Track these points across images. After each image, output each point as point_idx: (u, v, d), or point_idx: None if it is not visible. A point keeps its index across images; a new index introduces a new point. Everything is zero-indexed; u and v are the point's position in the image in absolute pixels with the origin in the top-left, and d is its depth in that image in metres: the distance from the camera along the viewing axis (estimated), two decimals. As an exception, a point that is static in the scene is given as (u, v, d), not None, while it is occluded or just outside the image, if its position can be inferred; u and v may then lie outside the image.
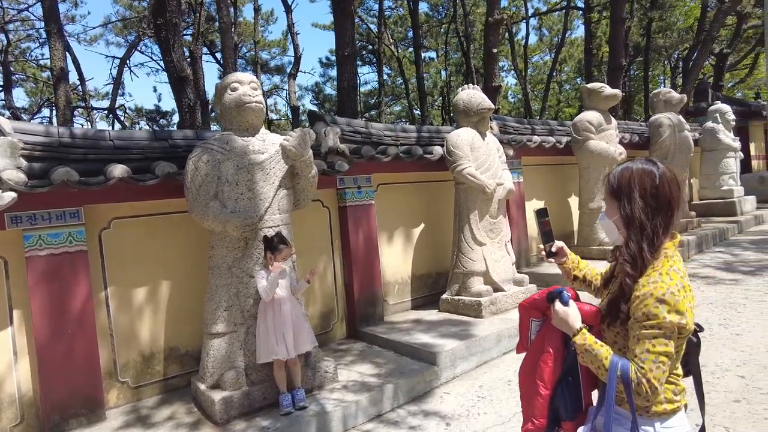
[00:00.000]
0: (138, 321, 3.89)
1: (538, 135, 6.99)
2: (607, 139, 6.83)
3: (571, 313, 1.47)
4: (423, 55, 22.63)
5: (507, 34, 18.51)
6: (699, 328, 1.64)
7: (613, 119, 7.07)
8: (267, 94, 19.18)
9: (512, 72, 30.68)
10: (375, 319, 5.11)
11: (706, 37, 12.15)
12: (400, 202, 5.65)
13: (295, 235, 4.67)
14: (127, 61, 13.16)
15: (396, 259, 5.60)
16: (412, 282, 5.74)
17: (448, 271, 5.48)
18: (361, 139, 5.17)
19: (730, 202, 10.02)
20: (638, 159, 1.49)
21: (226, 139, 3.68)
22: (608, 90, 6.83)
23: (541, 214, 1.81)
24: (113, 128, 13.43)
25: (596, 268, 1.82)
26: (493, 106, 5.31)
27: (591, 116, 6.84)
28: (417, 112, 21.07)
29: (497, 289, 5.21)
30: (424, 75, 24.87)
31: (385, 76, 22.82)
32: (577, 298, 1.56)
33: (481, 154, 5.27)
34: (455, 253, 5.31)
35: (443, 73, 23.94)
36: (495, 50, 8.25)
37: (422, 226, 5.86)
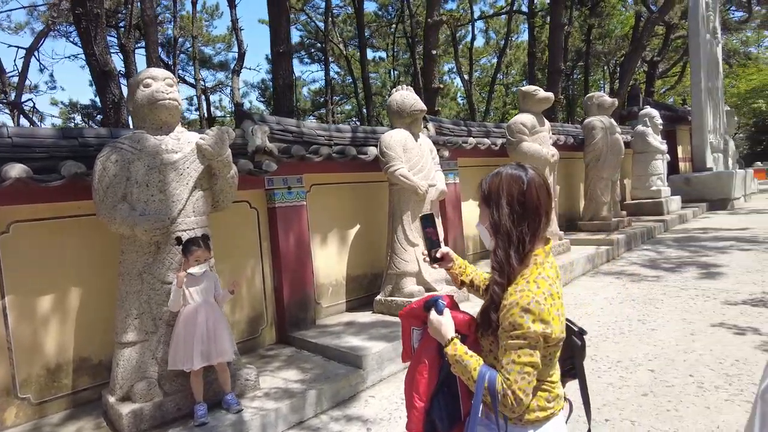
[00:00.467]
0: (42, 331, 3.62)
1: (474, 137, 7.09)
2: (540, 141, 7.00)
3: (444, 323, 1.44)
4: (373, 54, 22.64)
5: (452, 37, 18.78)
6: (581, 331, 1.66)
7: (546, 122, 7.26)
8: (210, 91, 18.64)
9: (461, 74, 31.33)
10: (306, 323, 5.01)
11: (636, 45, 12.77)
12: (334, 203, 5.57)
13: (221, 237, 4.53)
14: (36, 52, 12.24)
15: (330, 261, 5.52)
16: (347, 284, 5.68)
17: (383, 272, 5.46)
18: (292, 139, 5.06)
19: (658, 201, 10.56)
20: (509, 164, 1.48)
21: (137, 137, 3.49)
22: (542, 93, 7.01)
23: (425, 220, 1.78)
24: (19, 124, 12.48)
25: (484, 273, 1.81)
26: (425, 108, 5.32)
27: (525, 118, 7.00)
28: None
29: (429, 289, 5.23)
30: (374, 75, 24.90)
31: (335, 75, 22.67)
32: (454, 307, 1.53)
33: (413, 155, 5.27)
34: (389, 254, 5.29)
35: (393, 72, 24.07)
36: (435, 51, 8.31)
37: (358, 227, 5.81)
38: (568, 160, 9.47)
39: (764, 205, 13.07)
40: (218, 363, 3.36)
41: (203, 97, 17.18)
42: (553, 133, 8.81)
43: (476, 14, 20.42)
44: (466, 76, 21.74)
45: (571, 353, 1.71)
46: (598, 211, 8.79)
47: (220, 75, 19.96)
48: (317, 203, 5.35)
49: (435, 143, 6.37)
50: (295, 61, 22.13)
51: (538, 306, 1.28)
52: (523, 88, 7.17)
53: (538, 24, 18.15)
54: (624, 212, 9.37)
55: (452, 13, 18.19)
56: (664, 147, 10.87)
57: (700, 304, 5.16)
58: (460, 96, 32.10)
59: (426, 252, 1.74)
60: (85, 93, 45.24)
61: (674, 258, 7.27)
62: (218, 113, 19.66)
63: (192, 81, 17.82)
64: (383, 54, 24.98)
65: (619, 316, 5.02)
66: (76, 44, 15.75)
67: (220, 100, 20.67)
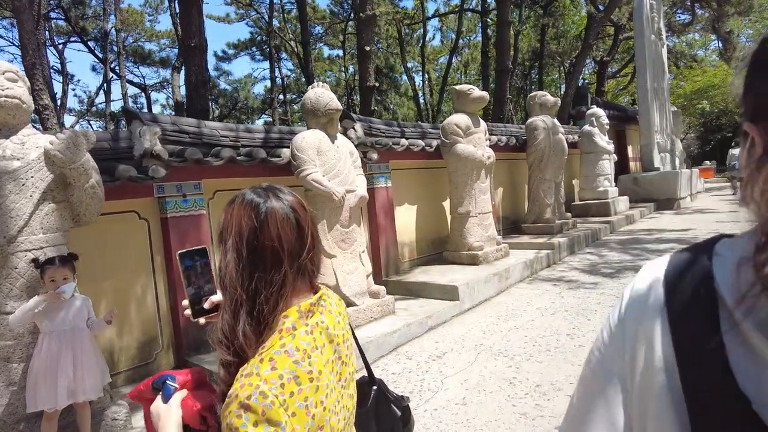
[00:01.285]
0: None
1: (407, 138, 6.71)
2: (475, 143, 6.69)
3: (163, 416, 1.00)
4: (329, 52, 22.11)
5: (398, 34, 18.42)
6: (401, 399, 1.26)
7: (482, 122, 6.95)
8: (151, 88, 17.73)
9: (420, 73, 31.10)
10: (208, 346, 4.51)
11: (584, 45, 12.72)
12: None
13: (103, 251, 4.00)
14: None
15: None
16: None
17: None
18: (189, 141, 4.55)
19: (605, 202, 10.46)
20: (254, 187, 1.05)
21: (-34, 141, 2.93)
22: (476, 92, 6.70)
23: (185, 258, 1.25)
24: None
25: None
26: (340, 107, 4.90)
27: (459, 119, 6.67)
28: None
29: (349, 303, 4.81)
30: (330, 72, 24.40)
31: (289, 72, 22.04)
32: (199, 385, 1.10)
33: (329, 159, 4.84)
34: (304, 267, 4.85)
35: (351, 69, 23.55)
36: (368, 48, 7.90)
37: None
38: (511, 161, 9.23)
39: (708, 204, 13.22)
40: (82, 401, 2.87)
41: (143, 94, 16.33)
42: (494, 134, 8.55)
43: (430, 12, 20.17)
44: (418, 75, 21.54)
45: (391, 428, 1.31)
46: (541, 213, 8.57)
47: (166, 72, 19.06)
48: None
49: (362, 144, 5.96)
50: (246, 58, 21.44)
51: (262, 400, 0.84)
52: (456, 87, 6.84)
53: (491, 24, 18.02)
54: (569, 214, 9.20)
55: (404, 10, 17.90)
56: (611, 147, 10.79)
57: (632, 314, 4.91)
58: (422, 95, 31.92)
59: (187, 302, 1.24)
60: None
61: (615, 262, 7.08)
62: (166, 112, 18.65)
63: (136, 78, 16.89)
64: (340, 52, 24.49)
65: (548, 330, 4.71)
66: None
67: (168, 99, 19.74)
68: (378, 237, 6.25)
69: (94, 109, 18.12)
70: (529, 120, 8.74)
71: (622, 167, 13.60)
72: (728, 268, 0.54)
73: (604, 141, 10.75)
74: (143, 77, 17.48)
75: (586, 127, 10.76)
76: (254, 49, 20.56)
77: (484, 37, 16.49)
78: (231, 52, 20.30)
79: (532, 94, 8.97)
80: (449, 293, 5.54)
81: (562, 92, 13.72)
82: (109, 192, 3.52)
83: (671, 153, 14.26)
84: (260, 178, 5.11)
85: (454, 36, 27.36)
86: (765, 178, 0.51)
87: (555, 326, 4.79)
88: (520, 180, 9.40)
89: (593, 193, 10.72)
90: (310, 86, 5.13)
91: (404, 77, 22.70)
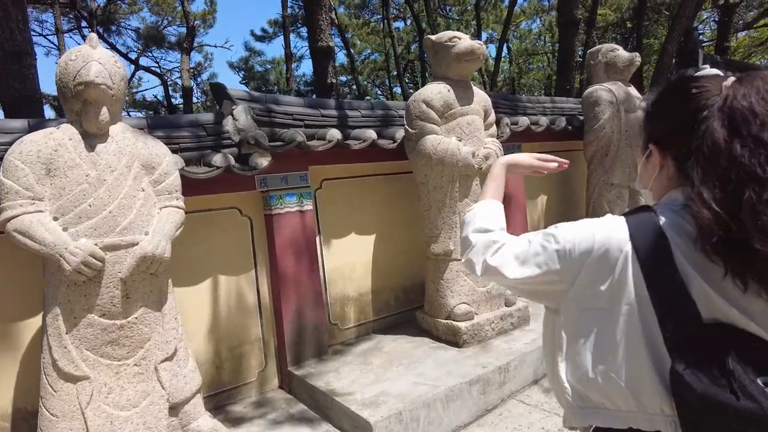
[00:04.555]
0: None
1: (349, 128, 4.06)
2: (462, 132, 3.84)
3: None
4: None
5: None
6: None
7: (479, 94, 4.06)
8: (169, 74, 16.29)
9: (497, 43, 27.24)
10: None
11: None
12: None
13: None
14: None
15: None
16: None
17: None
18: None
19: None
20: None
21: None
22: (464, 43, 3.81)
23: None
24: None
25: None
26: (97, 81, 2.38)
27: (431, 92, 3.85)
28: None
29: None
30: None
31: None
32: None
33: (73, 181, 2.39)
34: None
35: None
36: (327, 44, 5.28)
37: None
38: (561, 155, 6.11)
39: None
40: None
41: (160, 82, 14.94)
42: (528, 113, 5.52)
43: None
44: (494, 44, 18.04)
45: None
46: (604, 238, 5.45)
47: (198, 56, 17.64)
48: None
49: (245, 142, 3.51)
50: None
51: None
52: (432, 37, 3.99)
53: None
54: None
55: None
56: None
57: None
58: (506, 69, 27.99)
59: None
60: None
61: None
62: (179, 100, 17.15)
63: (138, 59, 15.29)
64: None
65: None
66: None
67: (200, 84, 18.33)
68: (281, 294, 3.74)
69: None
70: (589, 90, 5.57)
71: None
72: (667, 221, 0.90)
73: (721, 118, 7.10)
74: (158, 62, 16.22)
75: (693, 98, 7.17)
76: (299, 23, 18.47)
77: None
78: (271, 30, 18.46)
79: (593, 49, 5.74)
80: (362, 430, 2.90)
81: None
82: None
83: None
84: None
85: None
86: (657, 178, 1.00)
87: None
88: (576, 184, 6.23)
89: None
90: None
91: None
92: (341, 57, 20.52)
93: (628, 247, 0.91)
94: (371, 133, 4.02)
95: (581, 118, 5.78)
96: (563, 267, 0.98)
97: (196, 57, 17.26)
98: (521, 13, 23.79)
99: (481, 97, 4.05)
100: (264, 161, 3.52)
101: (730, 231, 0.78)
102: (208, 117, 3.67)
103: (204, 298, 3.56)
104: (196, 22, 17.10)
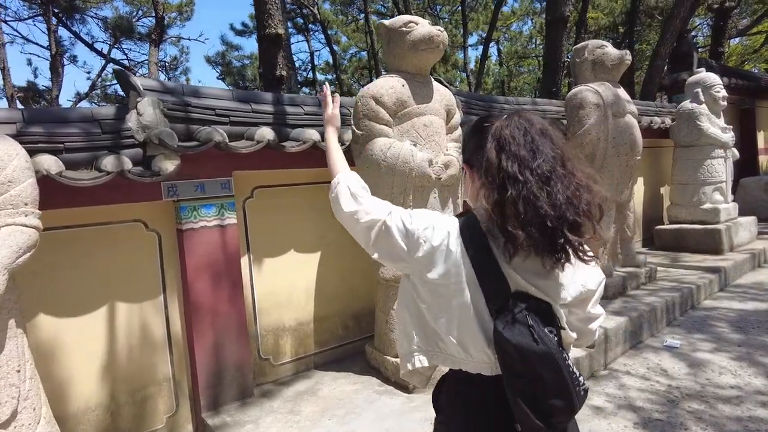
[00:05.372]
0: None
1: (292, 126, 3.42)
2: (418, 134, 3.22)
3: None
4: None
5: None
6: None
7: (442, 90, 3.44)
8: (137, 66, 15.48)
9: (493, 44, 26.69)
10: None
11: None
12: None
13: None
14: None
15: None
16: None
17: None
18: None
19: (713, 229, 6.30)
20: None
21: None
22: (422, 29, 3.18)
23: None
24: None
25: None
26: None
27: (381, 87, 3.22)
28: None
29: None
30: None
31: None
32: None
33: None
34: None
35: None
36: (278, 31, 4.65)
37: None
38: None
39: None
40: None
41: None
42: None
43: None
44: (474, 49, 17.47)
45: None
46: (587, 257, 4.86)
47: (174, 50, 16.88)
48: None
49: (149, 143, 2.85)
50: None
51: None
52: (386, 22, 3.36)
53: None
54: (642, 254, 5.31)
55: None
56: (729, 137, 6.56)
57: None
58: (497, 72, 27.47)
59: None
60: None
61: (729, 386, 3.30)
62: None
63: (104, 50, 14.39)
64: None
65: None
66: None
67: (171, 79, 17.40)
68: (193, 327, 3.08)
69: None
70: (573, 91, 4.98)
71: (745, 167, 9.07)
72: (481, 219, 1.20)
73: (716, 126, 6.55)
74: (126, 54, 15.35)
75: (686, 104, 6.61)
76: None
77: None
78: (252, 24, 17.72)
79: (578, 46, 5.14)
80: None
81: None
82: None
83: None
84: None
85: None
86: (472, 189, 1.27)
87: None
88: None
89: (693, 212, 6.58)
90: None
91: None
92: (325, 54, 19.86)
93: (458, 239, 1.20)
94: (313, 134, 3.38)
95: (565, 123, 5.18)
96: (408, 245, 1.24)
97: (172, 51, 16.48)
98: (512, 14, 23.32)
99: (442, 94, 3.42)
100: (170, 165, 2.87)
101: (501, 219, 1.12)
102: (107, 111, 3.00)
103: (96, 331, 2.90)
104: (172, 15, 16.37)
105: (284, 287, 3.61)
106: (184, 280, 3.10)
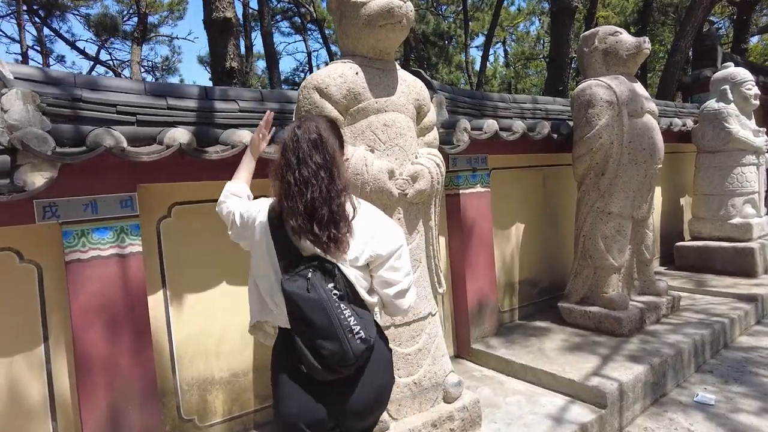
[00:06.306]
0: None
1: (224, 128, 2.70)
2: (376, 137, 2.47)
3: None
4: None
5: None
6: None
7: (410, 80, 2.69)
8: (122, 66, 14.79)
9: (498, 45, 25.85)
10: None
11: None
12: None
13: None
14: None
15: None
16: None
17: None
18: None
19: (745, 248, 5.46)
20: None
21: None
22: (379, 0, 2.44)
23: None
24: None
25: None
26: None
27: (328, 76, 2.47)
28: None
29: None
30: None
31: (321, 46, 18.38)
32: None
33: None
34: None
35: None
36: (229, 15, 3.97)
37: None
38: (546, 170, 4.76)
39: None
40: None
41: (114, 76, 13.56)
42: (499, 115, 4.15)
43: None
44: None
45: None
46: (598, 285, 4.06)
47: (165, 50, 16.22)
48: None
49: (27, 150, 2.11)
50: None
51: None
52: (338, -8, 2.62)
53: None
54: (663, 282, 4.50)
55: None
56: (763, 140, 5.74)
57: None
58: (502, 73, 26.62)
59: None
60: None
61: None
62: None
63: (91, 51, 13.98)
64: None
65: None
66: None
67: (158, 79, 16.72)
68: (81, 387, 2.36)
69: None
70: (580, 86, 4.21)
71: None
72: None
73: (747, 129, 5.73)
74: (110, 53, 14.71)
75: (713, 104, 5.80)
76: (278, 17, 17.17)
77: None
78: (252, 24, 17.14)
79: (587, 33, 4.37)
80: None
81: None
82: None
83: None
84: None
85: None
86: (275, 191, 1.62)
87: None
88: (563, 210, 4.86)
89: (720, 227, 5.75)
90: None
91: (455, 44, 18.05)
92: (324, 55, 19.15)
93: (265, 218, 1.65)
94: (245, 136, 2.66)
95: (571, 123, 4.42)
96: (240, 223, 1.76)
97: (164, 51, 15.86)
98: (518, 13, 22.51)
99: (410, 85, 2.67)
100: (39, 178, 2.16)
101: (280, 207, 1.57)
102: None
103: (-57, 397, 2.18)
104: (163, 13, 15.82)
105: (213, 329, 2.87)
106: (73, 326, 2.38)
